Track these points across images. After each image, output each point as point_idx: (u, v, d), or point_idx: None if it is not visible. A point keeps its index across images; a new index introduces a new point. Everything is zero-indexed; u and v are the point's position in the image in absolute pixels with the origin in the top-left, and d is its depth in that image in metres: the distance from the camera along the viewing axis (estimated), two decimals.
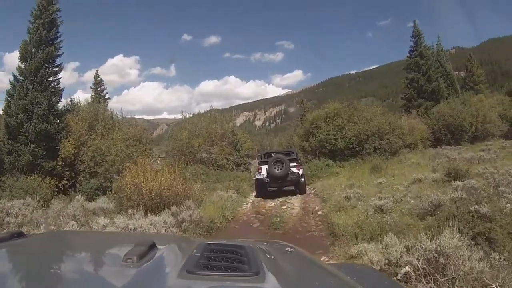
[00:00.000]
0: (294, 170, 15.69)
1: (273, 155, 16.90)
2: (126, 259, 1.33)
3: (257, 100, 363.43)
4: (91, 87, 46.47)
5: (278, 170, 15.26)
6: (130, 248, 1.43)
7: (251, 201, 15.23)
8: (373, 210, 9.69)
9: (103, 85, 47.51)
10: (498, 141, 31.30)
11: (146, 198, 9.95)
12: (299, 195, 15.85)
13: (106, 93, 47.34)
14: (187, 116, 29.37)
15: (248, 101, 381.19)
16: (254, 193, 16.81)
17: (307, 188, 17.29)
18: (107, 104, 43.77)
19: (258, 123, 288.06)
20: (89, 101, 28.59)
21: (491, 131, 34.42)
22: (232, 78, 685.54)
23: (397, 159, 23.37)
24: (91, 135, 22.53)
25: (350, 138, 24.54)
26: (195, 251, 1.54)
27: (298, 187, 16.23)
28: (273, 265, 1.55)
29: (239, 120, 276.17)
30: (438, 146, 29.50)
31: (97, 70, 48.45)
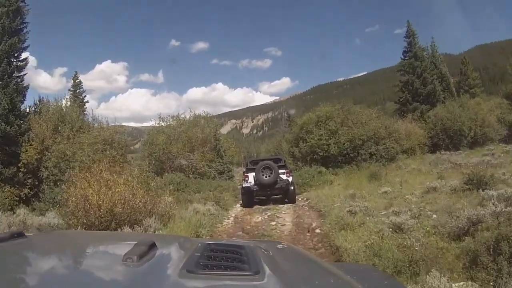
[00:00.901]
0: (283, 177, 14.74)
1: (260, 162, 15.67)
2: (126, 258, 1.31)
3: (245, 108, 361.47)
4: (69, 90, 43.56)
5: (266, 177, 14.36)
6: (130, 247, 1.42)
7: (233, 215, 12.86)
8: (389, 228, 7.53)
9: (82, 87, 44.83)
10: (498, 145, 30.23)
11: (94, 216, 7.61)
12: (291, 208, 13.77)
13: (85, 96, 44.63)
14: (166, 120, 25.95)
15: (236, 109, 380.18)
16: (238, 205, 15.20)
17: (299, 199, 15.53)
18: (85, 108, 41.71)
19: (245, 130, 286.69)
20: (67, 104, 25.80)
21: (490, 135, 33.02)
22: (220, 85, 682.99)
23: (396, 166, 21.58)
24: (56, 138, 20.07)
25: (344, 144, 22.45)
26: (195, 251, 1.53)
27: (287, 196, 15.11)
28: (273, 264, 1.53)
29: (227, 128, 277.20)
30: (437, 151, 27.83)
31: (76, 72, 45.80)
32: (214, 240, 2.12)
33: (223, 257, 1.44)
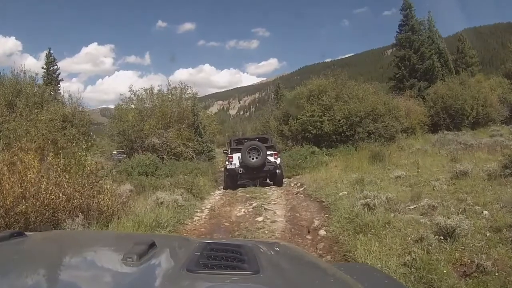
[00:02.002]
0: (271, 159, 13.76)
1: (245, 142, 14.61)
2: (126, 257, 1.30)
3: (232, 89, 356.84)
4: (42, 67, 40.42)
5: (253, 159, 13.39)
6: (130, 247, 1.41)
7: (209, 206, 10.07)
8: (432, 232, 5.07)
9: (56, 65, 41.59)
10: (501, 127, 28.08)
11: None
12: (282, 196, 11.36)
13: (59, 74, 41.42)
14: (138, 94, 21.25)
15: (223, 90, 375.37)
16: (217, 192, 13.31)
17: (292, 185, 13.56)
18: (60, 87, 38.57)
19: (232, 112, 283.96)
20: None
21: (492, 116, 30.98)
22: (207, 66, 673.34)
23: (397, 146, 19.07)
24: (10, 115, 17.21)
25: (340, 120, 19.89)
26: (195, 250, 1.51)
27: (274, 179, 14.25)
28: (272, 264, 1.55)
29: (213, 109, 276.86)
30: (438, 131, 25.49)
31: (49, 48, 42.58)
32: (214, 239, 2.05)
33: (223, 256, 1.42)
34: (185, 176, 12.17)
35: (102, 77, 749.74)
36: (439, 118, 28.65)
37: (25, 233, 1.79)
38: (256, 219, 8.17)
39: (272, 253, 1.79)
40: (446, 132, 25.22)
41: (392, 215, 6.17)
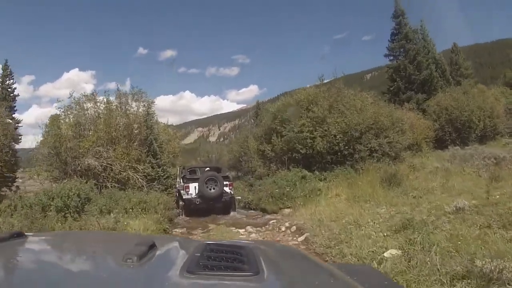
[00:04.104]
0: (227, 189, 13.81)
1: (197, 170, 15.45)
2: (126, 259, 1.31)
3: (212, 116, 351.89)
4: None
5: (211, 189, 13.27)
6: (130, 248, 1.43)
7: None
8: None
9: (13, 79, 36.93)
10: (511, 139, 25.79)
11: None
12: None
13: (15, 89, 36.72)
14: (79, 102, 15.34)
15: (203, 117, 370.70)
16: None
17: (283, 229, 9.76)
18: (16, 102, 35.55)
19: (212, 138, 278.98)
20: None
21: (499, 128, 28.01)
22: (187, 93, 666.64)
23: (408, 165, 15.37)
24: None
25: (335, 136, 16.02)
26: (195, 251, 1.53)
27: (228, 209, 13.95)
28: (272, 265, 1.50)
29: (193, 136, 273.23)
30: (448, 147, 22.23)
31: (6, 60, 38.22)
32: (214, 240, 2.04)
33: (223, 257, 1.43)
34: (105, 218, 7.92)
35: None
36: (444, 133, 25.10)
37: (25, 233, 1.83)
38: None
39: (272, 254, 1.77)
40: (456, 147, 21.80)
41: None
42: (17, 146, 28.89)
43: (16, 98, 36.10)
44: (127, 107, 15.07)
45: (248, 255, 1.45)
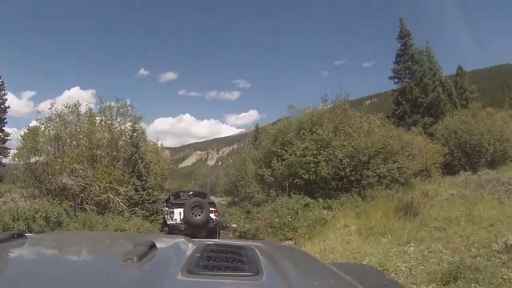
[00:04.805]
0: (212, 216, 13.38)
1: (181, 194, 14.92)
2: (126, 259, 1.30)
3: (211, 139, 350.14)
4: None
5: (197, 216, 12.85)
6: (130, 248, 1.42)
7: None
8: None
9: (4, 89, 34.98)
10: None
11: None
12: None
13: (6, 100, 34.82)
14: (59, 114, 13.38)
15: (202, 140, 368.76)
16: None
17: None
18: (6, 114, 33.27)
19: (210, 162, 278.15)
20: None
21: (509, 152, 26.56)
22: (187, 116, 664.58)
23: (421, 192, 14.25)
24: None
25: (342, 161, 14.78)
26: (195, 251, 1.52)
27: (212, 235, 13.24)
28: (273, 265, 1.50)
29: (192, 159, 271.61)
30: (459, 172, 21.39)
31: None
32: (213, 240, 1.80)
33: (223, 257, 1.43)
34: None
35: None
36: (453, 157, 23.87)
37: (25, 234, 1.81)
38: None
39: (272, 254, 1.73)
40: (468, 173, 20.67)
41: None
42: (4, 160, 27.68)
43: (7, 110, 34.08)
44: (110, 121, 13.46)
45: (248, 255, 1.45)
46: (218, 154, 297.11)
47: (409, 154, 16.91)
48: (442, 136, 24.73)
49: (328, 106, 17.42)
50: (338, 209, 13.29)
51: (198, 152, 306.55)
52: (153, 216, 12.81)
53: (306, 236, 10.40)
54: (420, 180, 18.17)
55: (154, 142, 15.60)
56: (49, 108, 13.13)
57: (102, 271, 1.38)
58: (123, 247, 1.66)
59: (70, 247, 1.89)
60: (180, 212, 13.06)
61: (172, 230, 12.87)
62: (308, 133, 15.79)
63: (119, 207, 11.72)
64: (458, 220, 8.92)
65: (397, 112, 30.26)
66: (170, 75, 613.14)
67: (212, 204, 14.17)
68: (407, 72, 30.41)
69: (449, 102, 31.49)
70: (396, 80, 31.55)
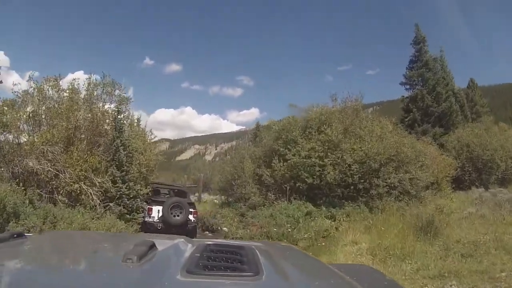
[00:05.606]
0: (191, 217, 12.62)
1: (160, 190, 14.04)
2: (126, 259, 1.29)
3: (210, 134, 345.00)
4: None
5: (175, 216, 12.14)
6: (130, 248, 1.40)
7: None
8: None
9: None
10: None
11: None
12: None
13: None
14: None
15: (201, 134, 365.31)
16: None
17: None
18: None
19: (208, 157, 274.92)
20: None
21: None
22: (188, 109, 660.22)
23: (435, 208, 12.80)
24: None
25: (350, 166, 13.35)
26: (195, 251, 1.53)
27: (190, 235, 10.90)
28: (272, 265, 1.52)
29: (190, 153, 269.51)
30: (472, 187, 20.61)
31: None
32: (213, 240, 1.78)
33: (222, 257, 1.43)
34: None
35: None
36: (463, 172, 22.46)
37: (25, 234, 1.81)
38: None
39: (272, 254, 1.75)
40: (479, 189, 19.43)
41: None
42: None
43: None
44: (92, 99, 11.49)
45: (248, 256, 1.45)
46: (216, 149, 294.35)
47: (422, 164, 15.51)
48: (453, 149, 23.32)
49: (338, 106, 15.95)
50: (343, 220, 11.90)
51: (197, 146, 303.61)
52: (132, 214, 10.73)
53: (308, 250, 8.97)
54: (432, 193, 16.83)
55: (141, 126, 13.66)
56: (27, 81, 11.36)
57: (102, 271, 1.38)
58: (123, 247, 1.63)
59: (70, 247, 1.89)
60: (158, 210, 12.39)
61: (149, 228, 12.13)
62: (315, 132, 14.31)
63: (92, 200, 9.95)
64: (486, 246, 7.86)
65: (406, 120, 28.71)
66: (174, 67, 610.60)
67: (191, 205, 13.58)
68: (420, 79, 28.97)
69: (460, 114, 30.11)
70: (408, 86, 30.10)
